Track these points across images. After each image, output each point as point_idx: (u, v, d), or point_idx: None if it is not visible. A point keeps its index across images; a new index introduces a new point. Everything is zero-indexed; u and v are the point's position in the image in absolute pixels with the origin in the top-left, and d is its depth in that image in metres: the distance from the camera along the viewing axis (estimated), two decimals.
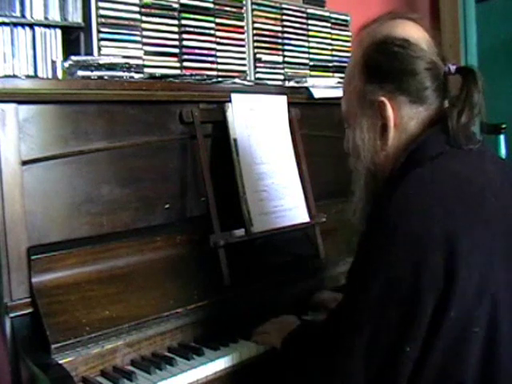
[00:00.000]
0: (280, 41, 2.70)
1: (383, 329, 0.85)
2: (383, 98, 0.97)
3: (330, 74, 2.91)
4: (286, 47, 2.73)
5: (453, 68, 0.97)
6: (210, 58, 2.40)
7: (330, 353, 0.94)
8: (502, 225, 0.90)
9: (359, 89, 1.00)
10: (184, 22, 2.31)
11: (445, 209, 0.85)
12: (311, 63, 2.85)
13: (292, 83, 1.98)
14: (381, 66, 0.97)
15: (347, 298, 0.95)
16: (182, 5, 2.30)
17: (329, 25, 2.94)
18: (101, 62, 1.47)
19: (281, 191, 1.57)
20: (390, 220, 0.86)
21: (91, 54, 2.03)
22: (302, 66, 2.80)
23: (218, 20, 2.43)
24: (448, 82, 0.97)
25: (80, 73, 1.41)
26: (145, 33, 2.18)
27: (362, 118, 1.01)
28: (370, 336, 0.86)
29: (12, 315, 1.11)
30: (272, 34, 2.66)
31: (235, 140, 1.50)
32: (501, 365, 0.84)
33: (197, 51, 2.36)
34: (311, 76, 2.78)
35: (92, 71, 1.42)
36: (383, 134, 0.99)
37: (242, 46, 2.54)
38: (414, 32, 0.98)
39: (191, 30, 2.33)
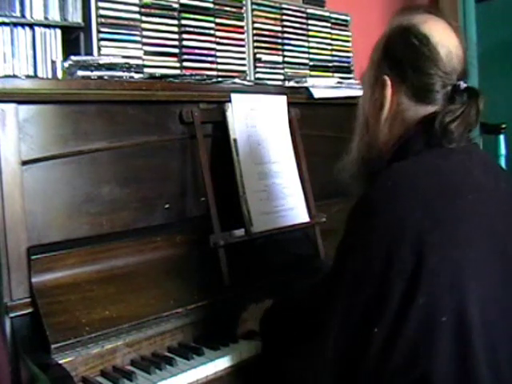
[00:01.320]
0: (280, 41, 2.70)
1: (355, 307, 0.88)
2: (387, 78, 1.01)
3: (330, 74, 2.91)
4: (286, 47, 2.72)
5: (463, 86, 0.98)
6: (209, 58, 2.40)
7: (307, 327, 0.99)
8: (481, 220, 0.91)
9: (377, 61, 1.05)
10: (184, 22, 2.30)
11: (421, 199, 0.88)
12: (311, 63, 2.85)
13: (292, 83, 1.98)
14: (396, 50, 1.00)
15: (328, 276, 1.00)
16: (181, 5, 2.29)
17: (329, 25, 2.93)
18: (101, 62, 1.46)
19: (281, 191, 1.57)
20: (370, 206, 0.91)
21: (91, 54, 2.03)
22: (302, 66, 2.80)
23: (217, 20, 2.43)
24: (454, 96, 0.97)
25: (80, 73, 1.41)
26: (145, 33, 2.18)
27: (368, 89, 1.06)
28: (343, 312, 0.89)
29: (12, 315, 1.11)
30: (272, 33, 2.66)
31: (235, 140, 1.50)
32: (475, 356, 0.83)
33: (197, 51, 2.35)
34: (311, 76, 2.78)
35: (92, 71, 1.42)
36: (379, 111, 1.03)
37: (242, 46, 2.53)
38: (441, 36, 0.99)
39: (191, 30, 2.33)
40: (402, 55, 0.99)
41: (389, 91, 1.01)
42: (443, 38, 0.99)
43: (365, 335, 0.86)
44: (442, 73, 0.97)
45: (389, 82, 1.00)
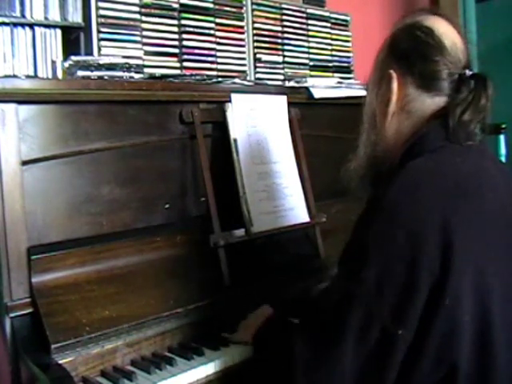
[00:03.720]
0: (280, 41, 2.70)
1: (377, 310, 0.86)
2: (392, 71, 1.01)
3: (330, 74, 2.91)
4: (286, 47, 2.72)
5: (468, 73, 0.98)
6: (210, 58, 2.40)
7: (316, 337, 0.93)
8: (500, 219, 0.91)
9: (382, 59, 1.06)
10: (184, 22, 2.30)
11: (443, 199, 0.87)
12: (311, 63, 2.85)
13: (292, 83, 1.98)
14: (402, 44, 1.02)
15: (341, 281, 0.94)
16: (181, 5, 2.29)
17: (329, 25, 2.93)
18: (101, 62, 1.47)
19: (281, 191, 1.57)
20: (389, 207, 0.88)
21: (91, 54, 2.03)
22: (302, 66, 2.80)
23: (218, 20, 2.43)
24: (461, 85, 0.97)
25: (80, 73, 1.41)
26: (145, 33, 2.17)
27: (374, 86, 1.06)
28: (362, 317, 0.86)
29: (12, 315, 1.11)
30: (272, 33, 2.66)
31: (235, 140, 1.50)
32: (494, 352, 0.85)
33: (197, 51, 2.35)
34: (311, 76, 2.78)
35: (92, 71, 1.42)
36: (386, 106, 1.02)
37: (242, 46, 2.53)
38: (444, 29, 1.00)
39: (191, 29, 2.33)
40: (407, 47, 1.00)
41: (395, 84, 1.01)
42: (446, 31, 1.00)
43: (388, 338, 0.85)
44: (448, 61, 0.97)
45: (395, 75, 1.01)
